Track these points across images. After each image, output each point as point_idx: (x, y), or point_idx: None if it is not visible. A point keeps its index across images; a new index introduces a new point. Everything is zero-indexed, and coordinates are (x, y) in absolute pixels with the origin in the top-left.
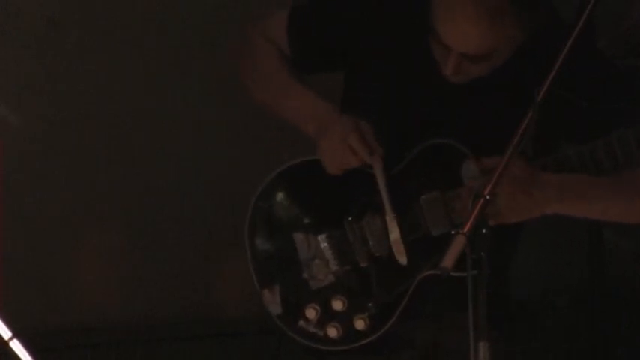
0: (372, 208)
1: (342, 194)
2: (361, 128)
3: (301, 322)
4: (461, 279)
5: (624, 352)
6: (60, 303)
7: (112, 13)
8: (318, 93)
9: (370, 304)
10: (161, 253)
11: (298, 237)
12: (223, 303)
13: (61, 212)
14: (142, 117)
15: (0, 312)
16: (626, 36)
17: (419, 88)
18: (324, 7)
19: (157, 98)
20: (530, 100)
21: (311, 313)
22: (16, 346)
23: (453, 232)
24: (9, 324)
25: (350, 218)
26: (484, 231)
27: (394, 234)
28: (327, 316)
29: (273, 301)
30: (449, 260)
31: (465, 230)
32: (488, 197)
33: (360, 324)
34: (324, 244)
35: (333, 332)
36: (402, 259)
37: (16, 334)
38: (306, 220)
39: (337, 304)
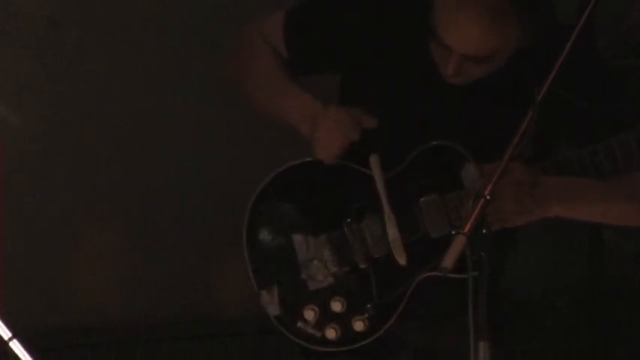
0: (371, 209)
1: (341, 195)
2: (349, 109)
3: (300, 324)
4: (460, 280)
5: (624, 352)
6: (60, 303)
7: (112, 13)
8: (313, 94)
9: (369, 306)
10: (161, 253)
11: (297, 238)
12: (223, 303)
13: (61, 212)
14: (142, 117)
15: (0, 312)
16: (626, 36)
17: (419, 88)
18: (324, 6)
19: (157, 98)
20: (531, 100)
21: (309, 314)
22: (16, 346)
23: (453, 232)
24: (9, 324)
25: (349, 219)
26: (484, 231)
27: (393, 234)
28: (326, 317)
29: (271, 302)
30: (449, 260)
31: (466, 230)
32: (488, 197)
33: (358, 325)
34: (323, 246)
35: (331, 333)
36: (402, 260)
37: (16, 334)
38: (305, 222)
39: (336, 306)
